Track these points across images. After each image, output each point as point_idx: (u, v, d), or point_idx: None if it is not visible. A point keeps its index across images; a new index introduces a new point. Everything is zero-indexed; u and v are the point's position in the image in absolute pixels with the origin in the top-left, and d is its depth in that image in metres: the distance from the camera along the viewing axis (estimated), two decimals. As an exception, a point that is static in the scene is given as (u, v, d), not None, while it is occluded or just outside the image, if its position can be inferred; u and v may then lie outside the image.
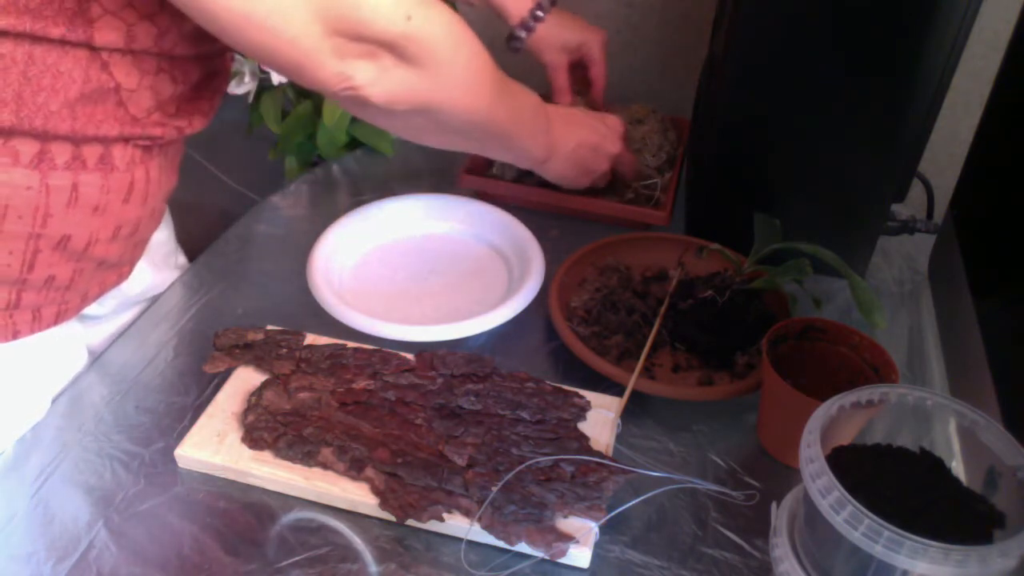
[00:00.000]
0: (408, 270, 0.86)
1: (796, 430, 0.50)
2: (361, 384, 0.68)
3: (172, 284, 0.83)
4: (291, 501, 0.62)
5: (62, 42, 0.53)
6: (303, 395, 0.67)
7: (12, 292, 0.60)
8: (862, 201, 0.80)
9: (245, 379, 0.69)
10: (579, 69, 0.97)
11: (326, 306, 0.77)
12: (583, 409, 0.67)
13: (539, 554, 0.57)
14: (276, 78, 0.99)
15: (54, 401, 0.69)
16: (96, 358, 0.74)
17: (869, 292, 0.68)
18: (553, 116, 0.79)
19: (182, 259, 0.88)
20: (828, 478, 0.45)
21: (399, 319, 0.75)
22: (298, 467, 0.62)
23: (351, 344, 0.72)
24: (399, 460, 0.61)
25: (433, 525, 0.59)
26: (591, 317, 0.77)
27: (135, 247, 0.69)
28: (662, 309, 0.76)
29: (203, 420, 0.66)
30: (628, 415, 0.68)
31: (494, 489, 0.59)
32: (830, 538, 0.46)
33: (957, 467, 0.61)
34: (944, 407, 0.51)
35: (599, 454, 0.62)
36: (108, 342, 0.76)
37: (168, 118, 0.63)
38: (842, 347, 0.66)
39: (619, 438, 0.67)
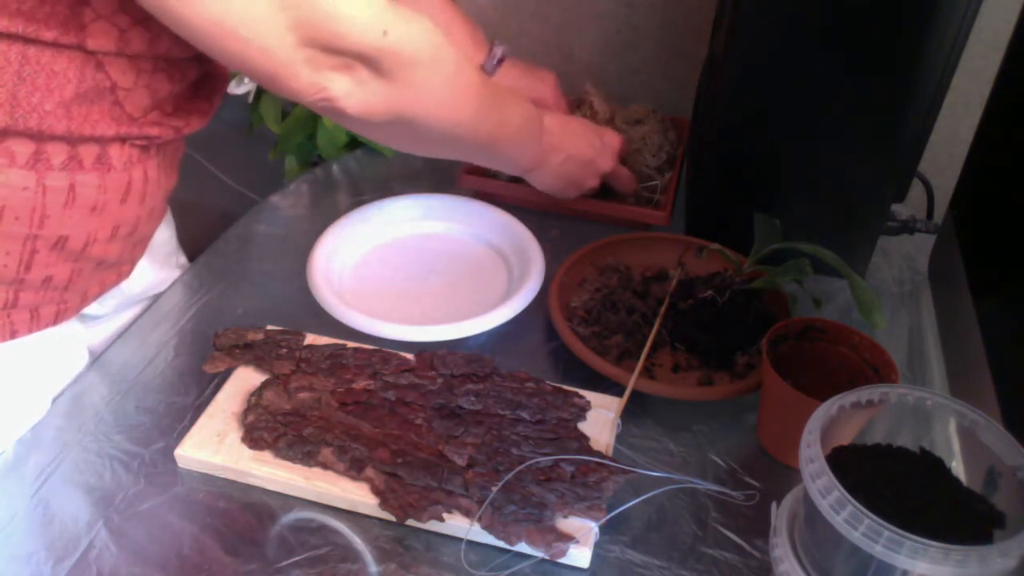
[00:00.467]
0: (408, 270, 0.86)
1: (796, 430, 0.50)
2: (361, 384, 0.68)
3: (172, 284, 0.83)
4: (291, 501, 0.62)
5: (55, 44, 0.53)
6: (303, 395, 0.67)
7: (9, 292, 0.60)
8: (862, 201, 0.80)
9: (245, 379, 0.69)
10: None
11: (326, 306, 0.77)
12: (583, 409, 0.67)
13: (539, 554, 0.57)
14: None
15: (54, 401, 0.69)
16: (96, 358, 0.74)
17: (869, 292, 0.68)
18: (549, 126, 0.78)
19: (183, 259, 0.88)
20: (828, 478, 0.45)
21: (399, 319, 0.75)
22: (298, 467, 0.62)
23: (351, 344, 0.72)
24: (399, 460, 0.61)
25: (433, 525, 0.59)
26: (591, 317, 0.77)
27: (134, 246, 0.69)
28: (662, 309, 0.76)
29: (203, 420, 0.66)
30: (628, 415, 0.68)
31: (494, 489, 0.59)
32: (830, 538, 0.46)
33: (957, 467, 0.61)
34: (944, 407, 0.51)
35: (599, 454, 0.62)
36: (108, 342, 0.76)
37: (165, 117, 0.62)
38: (842, 347, 0.66)
39: (619, 438, 0.67)
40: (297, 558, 0.58)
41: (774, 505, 0.54)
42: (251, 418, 0.65)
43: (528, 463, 0.61)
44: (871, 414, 0.57)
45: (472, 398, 0.67)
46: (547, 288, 0.78)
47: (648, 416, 0.69)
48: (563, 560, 0.57)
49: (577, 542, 0.57)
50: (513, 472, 0.60)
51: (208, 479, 0.63)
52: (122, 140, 0.60)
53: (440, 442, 0.63)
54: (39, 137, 0.55)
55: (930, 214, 0.93)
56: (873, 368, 0.64)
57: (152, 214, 0.67)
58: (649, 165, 0.94)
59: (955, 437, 0.64)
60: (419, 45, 0.57)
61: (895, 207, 0.84)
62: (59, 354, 0.69)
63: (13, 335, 0.62)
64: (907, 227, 0.86)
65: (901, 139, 0.74)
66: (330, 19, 0.52)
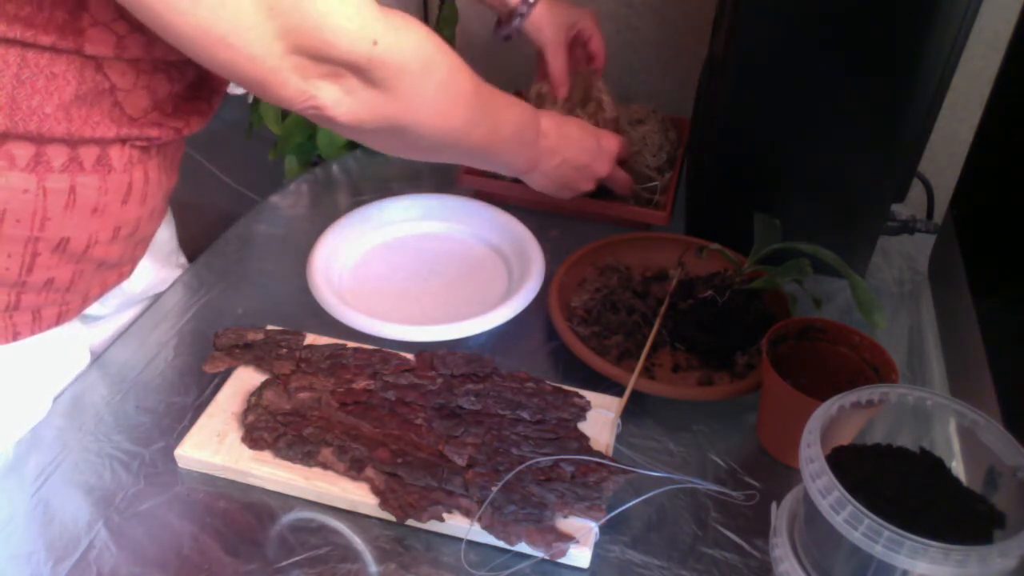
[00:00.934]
0: (408, 270, 0.86)
1: (796, 430, 0.50)
2: (361, 384, 0.68)
3: (172, 284, 0.83)
4: (291, 501, 0.62)
5: (54, 48, 0.53)
6: (303, 395, 0.67)
7: (11, 294, 0.60)
8: (862, 201, 0.80)
9: (245, 379, 0.69)
10: (576, 48, 0.95)
11: (326, 306, 0.77)
12: (583, 409, 0.67)
13: (539, 554, 0.57)
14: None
15: (55, 401, 0.69)
16: (97, 358, 0.74)
17: (869, 292, 0.68)
18: (546, 129, 0.77)
19: (183, 259, 0.88)
20: (828, 478, 0.45)
21: (399, 319, 0.75)
22: (298, 467, 0.62)
23: (351, 344, 0.72)
24: (399, 460, 0.61)
25: (433, 525, 0.59)
26: (591, 317, 0.77)
27: (135, 247, 0.69)
28: (662, 309, 0.76)
29: (203, 420, 0.66)
30: (628, 415, 0.68)
31: (494, 489, 0.59)
32: (830, 538, 0.46)
33: (957, 467, 0.61)
34: (944, 407, 0.51)
35: (599, 454, 0.62)
36: (109, 342, 0.76)
37: (165, 118, 0.62)
38: (842, 347, 0.66)
39: (619, 438, 0.67)
40: (297, 558, 0.58)
41: (774, 505, 0.54)
42: (251, 418, 0.65)
43: (528, 463, 0.61)
44: (871, 414, 0.57)
45: (472, 398, 0.67)
46: (547, 288, 0.78)
47: (648, 416, 0.69)
48: (563, 560, 0.57)
49: (577, 542, 0.57)
50: (513, 472, 0.60)
51: (208, 479, 0.63)
52: (122, 141, 0.60)
53: (440, 442, 0.63)
54: (39, 140, 0.55)
55: (930, 214, 0.93)
56: (873, 368, 0.64)
57: (153, 214, 0.67)
58: (649, 165, 0.94)
59: (955, 437, 0.64)
60: (409, 55, 0.56)
61: (895, 207, 0.84)
62: (61, 355, 0.69)
63: (15, 337, 0.62)
64: (907, 227, 0.86)
65: (901, 139, 0.74)
66: (319, 28, 0.51)
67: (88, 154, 0.58)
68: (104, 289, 0.68)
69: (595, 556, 0.58)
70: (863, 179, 0.78)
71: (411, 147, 0.65)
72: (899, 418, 0.63)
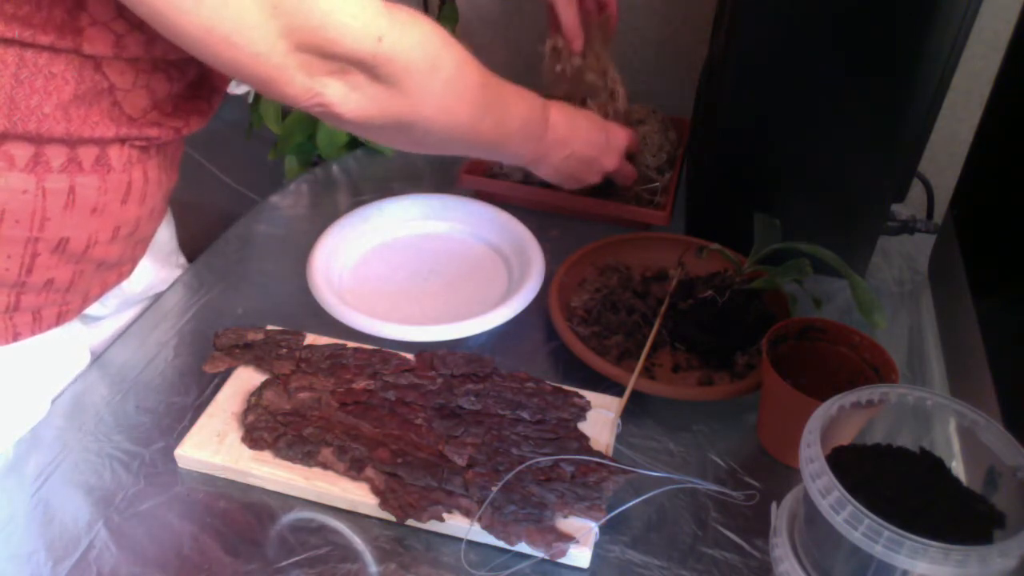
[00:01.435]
0: (408, 270, 0.86)
1: (796, 430, 0.50)
2: (361, 384, 0.68)
3: (172, 284, 0.83)
4: (291, 501, 0.62)
5: (52, 48, 0.53)
6: (303, 395, 0.67)
7: (11, 295, 0.60)
8: (862, 201, 0.80)
9: (245, 379, 0.69)
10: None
11: (326, 306, 0.77)
12: (583, 409, 0.67)
13: (539, 554, 0.57)
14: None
15: (54, 401, 0.69)
16: (97, 358, 0.74)
17: (869, 292, 0.68)
18: (555, 121, 0.77)
19: (182, 260, 0.88)
20: (828, 478, 0.45)
21: (399, 319, 0.75)
22: (298, 467, 0.62)
23: (351, 344, 0.72)
24: (399, 460, 0.61)
25: (433, 525, 0.59)
26: (591, 317, 0.77)
27: (135, 246, 0.69)
28: (662, 309, 0.76)
29: (203, 420, 0.66)
30: (628, 415, 0.68)
31: (494, 489, 0.59)
32: (830, 538, 0.46)
33: (957, 467, 0.61)
34: (944, 407, 0.51)
35: (599, 454, 0.62)
36: (109, 342, 0.76)
37: (164, 118, 0.62)
38: (842, 347, 0.66)
39: (619, 438, 0.67)
40: (297, 558, 0.58)
41: (774, 505, 0.54)
42: (251, 418, 0.65)
43: (528, 463, 0.61)
44: (871, 414, 0.57)
45: (472, 398, 0.67)
46: (547, 288, 0.78)
47: (648, 416, 0.69)
48: (563, 560, 0.57)
49: (577, 542, 0.57)
50: (513, 472, 0.60)
51: (208, 479, 0.63)
52: (121, 141, 0.60)
53: (440, 442, 0.63)
54: (38, 140, 0.55)
55: (930, 214, 0.93)
56: (873, 368, 0.64)
57: (152, 214, 0.67)
58: (649, 165, 0.94)
59: (955, 437, 0.64)
60: (415, 51, 0.56)
61: (895, 207, 0.84)
62: (61, 355, 0.69)
63: (16, 337, 0.62)
64: (907, 227, 0.86)
65: (901, 139, 0.74)
66: (323, 26, 0.51)
67: (87, 154, 0.58)
68: (104, 289, 0.68)
69: (595, 556, 0.58)
70: (863, 179, 0.78)
71: (418, 142, 0.65)
72: (899, 418, 0.63)
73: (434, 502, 0.59)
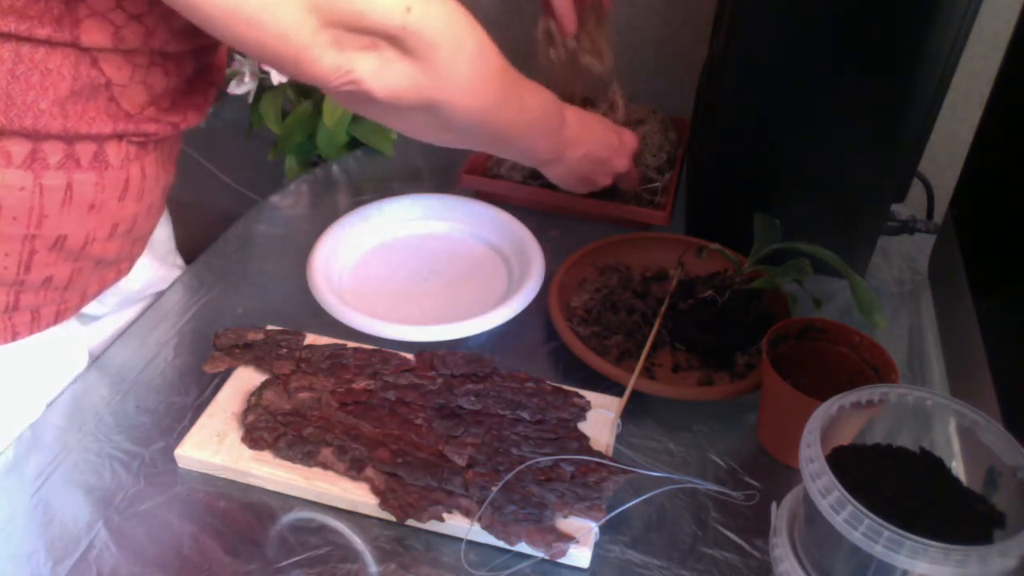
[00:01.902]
0: (408, 270, 0.86)
1: (796, 430, 0.50)
2: (361, 384, 0.68)
3: (172, 284, 0.83)
4: (291, 501, 0.62)
5: (48, 42, 0.53)
6: (303, 395, 0.67)
7: (10, 294, 0.60)
8: (862, 201, 0.80)
9: (245, 379, 0.69)
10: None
11: (326, 306, 0.77)
12: (583, 409, 0.67)
13: (539, 554, 0.57)
14: (276, 78, 0.98)
15: (54, 401, 0.69)
16: (96, 358, 0.74)
17: (869, 292, 0.68)
18: (569, 119, 0.77)
19: (180, 260, 0.88)
20: (828, 478, 0.45)
21: (399, 319, 0.75)
22: (298, 467, 0.62)
23: (351, 344, 0.72)
24: (399, 460, 0.61)
25: (433, 525, 0.59)
26: (591, 317, 0.77)
27: (133, 244, 0.68)
28: (662, 309, 0.76)
29: (203, 420, 0.66)
30: (628, 415, 0.68)
31: (494, 489, 0.59)
32: (830, 538, 0.46)
33: (957, 467, 0.61)
34: (944, 407, 0.51)
35: (599, 454, 0.62)
36: (108, 342, 0.76)
37: (162, 113, 0.62)
38: (842, 347, 0.66)
39: (619, 438, 0.67)
40: (297, 558, 0.58)
41: (774, 505, 0.54)
42: (251, 418, 0.65)
43: (528, 463, 0.61)
44: (871, 414, 0.57)
45: (472, 398, 0.67)
46: (547, 288, 0.78)
47: (648, 416, 0.69)
48: (563, 560, 0.57)
49: (577, 542, 0.57)
50: (513, 472, 0.60)
51: (208, 479, 0.63)
52: (119, 137, 0.60)
53: (440, 442, 0.63)
54: (35, 136, 0.55)
55: (930, 214, 0.93)
56: (873, 368, 0.64)
57: (150, 211, 0.67)
58: (649, 165, 0.94)
59: (955, 437, 0.64)
60: (442, 23, 0.56)
61: (895, 207, 0.84)
62: (59, 355, 0.69)
63: (14, 337, 0.62)
64: (907, 227, 0.86)
65: (901, 139, 0.74)
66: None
67: (84, 150, 0.58)
68: (102, 287, 0.68)
69: (595, 556, 0.58)
70: (863, 179, 0.78)
71: (443, 128, 0.65)
72: (899, 418, 0.63)
73: (434, 502, 0.59)
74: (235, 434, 0.64)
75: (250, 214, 0.94)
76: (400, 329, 0.74)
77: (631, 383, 0.68)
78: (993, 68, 0.77)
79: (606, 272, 0.82)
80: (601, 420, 0.67)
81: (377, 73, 0.55)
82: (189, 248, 0.90)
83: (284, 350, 0.71)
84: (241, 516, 0.61)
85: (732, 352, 0.72)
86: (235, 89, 1.00)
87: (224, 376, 0.70)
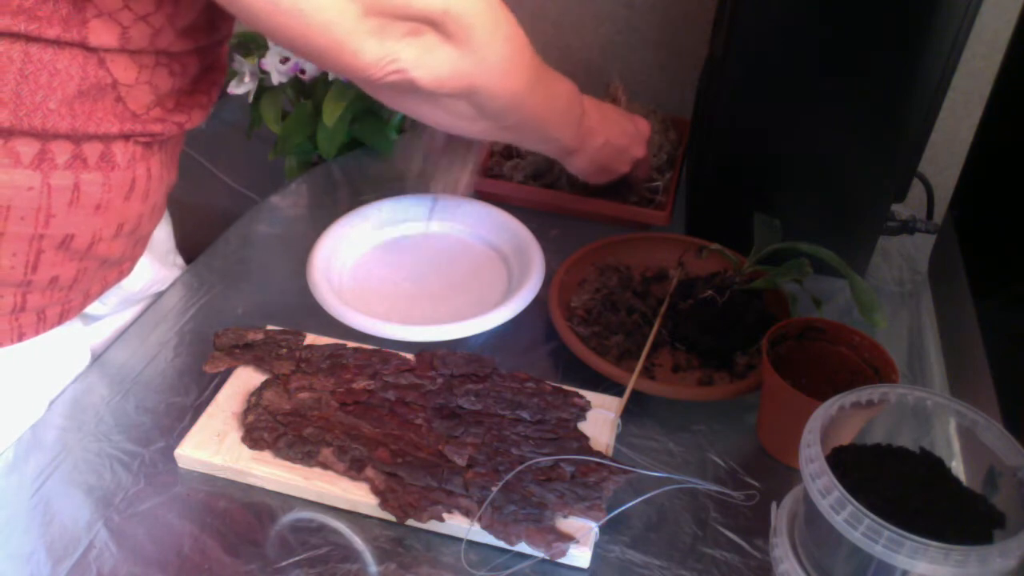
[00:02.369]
0: (408, 270, 0.86)
1: (796, 430, 0.50)
2: (361, 384, 0.68)
3: (172, 284, 0.83)
4: (291, 501, 0.62)
5: (57, 42, 0.53)
6: (303, 395, 0.67)
7: (17, 295, 0.60)
8: (862, 201, 0.80)
9: (245, 379, 0.69)
10: None
11: (326, 306, 0.77)
12: (583, 409, 0.67)
13: (539, 554, 0.57)
14: (276, 78, 0.98)
15: (54, 401, 0.69)
16: (96, 358, 0.74)
17: (869, 292, 0.68)
18: (588, 108, 0.78)
19: (180, 260, 0.88)
20: (828, 478, 0.45)
21: (399, 319, 0.75)
22: (298, 467, 0.62)
23: (351, 344, 0.72)
24: (399, 460, 0.61)
25: (433, 525, 0.59)
26: (591, 317, 0.77)
27: (136, 244, 0.69)
28: (662, 309, 0.76)
29: (203, 420, 0.66)
30: (628, 415, 0.68)
31: (494, 489, 0.59)
32: (830, 538, 0.46)
33: (957, 467, 0.61)
34: (944, 407, 0.51)
35: (599, 454, 0.62)
36: (109, 342, 0.76)
37: (167, 113, 0.62)
38: (842, 347, 0.66)
39: (619, 438, 0.67)
40: (297, 558, 0.58)
41: (774, 505, 0.54)
42: (251, 418, 0.65)
43: (528, 463, 0.61)
44: (871, 414, 0.57)
45: (472, 398, 0.67)
46: (547, 288, 0.78)
47: (648, 416, 0.69)
48: (563, 560, 0.57)
49: (577, 542, 0.57)
50: (513, 472, 0.60)
51: (208, 479, 0.63)
52: (125, 137, 0.60)
53: (440, 442, 0.63)
54: (43, 136, 0.55)
55: (930, 214, 0.93)
56: (873, 368, 0.64)
57: (154, 211, 0.67)
58: (649, 165, 0.94)
59: (955, 437, 0.64)
60: (480, 6, 0.57)
61: (895, 207, 0.84)
62: (62, 354, 0.69)
63: (20, 338, 0.62)
64: (907, 227, 0.86)
65: (901, 139, 0.74)
66: None
67: (92, 150, 0.58)
68: (105, 287, 0.68)
69: (595, 556, 0.58)
70: (863, 179, 0.78)
71: (479, 115, 0.65)
72: (899, 418, 0.63)
73: (434, 502, 0.59)
74: (235, 434, 0.64)
75: (250, 214, 0.94)
76: (400, 329, 0.74)
77: (631, 383, 0.68)
78: (993, 68, 0.77)
79: (606, 272, 0.82)
80: (601, 420, 0.67)
81: (420, 60, 0.55)
82: (189, 248, 0.90)
83: (284, 350, 0.71)
84: (241, 516, 0.61)
85: (732, 352, 0.72)
86: (235, 89, 1.00)
87: (224, 376, 0.70)
